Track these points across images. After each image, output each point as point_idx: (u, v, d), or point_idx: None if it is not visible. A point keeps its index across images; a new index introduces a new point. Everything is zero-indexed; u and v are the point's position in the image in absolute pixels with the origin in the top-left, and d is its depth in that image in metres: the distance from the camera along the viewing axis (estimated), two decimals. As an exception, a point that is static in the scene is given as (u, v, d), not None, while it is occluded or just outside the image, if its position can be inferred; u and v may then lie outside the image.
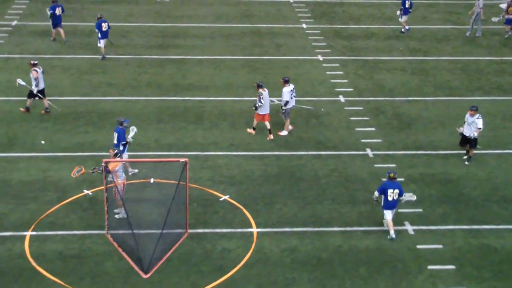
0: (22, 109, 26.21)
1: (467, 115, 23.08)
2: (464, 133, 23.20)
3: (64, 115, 26.21)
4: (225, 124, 25.86)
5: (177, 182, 18.48)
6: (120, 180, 19.26)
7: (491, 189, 22.08)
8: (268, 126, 24.77)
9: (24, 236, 18.99)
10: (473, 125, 22.93)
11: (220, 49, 33.69)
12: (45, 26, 35.17)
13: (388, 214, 19.38)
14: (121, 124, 21.51)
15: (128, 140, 21.50)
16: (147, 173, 21.51)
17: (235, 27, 36.82)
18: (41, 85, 26.01)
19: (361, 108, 27.58)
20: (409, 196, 19.73)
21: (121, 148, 21.22)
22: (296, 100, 25.47)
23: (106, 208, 18.94)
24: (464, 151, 23.64)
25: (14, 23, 35.93)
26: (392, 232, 19.37)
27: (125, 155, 21.50)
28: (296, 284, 17.58)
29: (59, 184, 21.52)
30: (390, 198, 19.18)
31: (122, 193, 19.17)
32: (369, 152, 24.09)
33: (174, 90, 28.80)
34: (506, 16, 35.71)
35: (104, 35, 31.94)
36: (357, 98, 28.47)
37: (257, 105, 24.40)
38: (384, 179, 22.27)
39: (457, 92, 29.49)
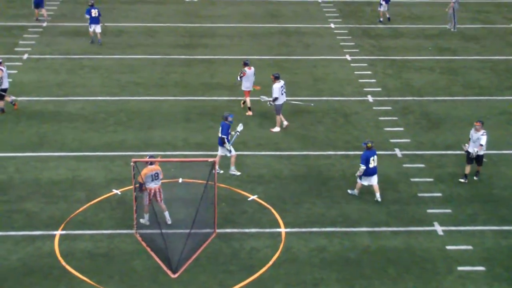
0: None
1: (472, 131, 21.82)
2: (470, 151, 21.84)
3: (94, 114, 26.42)
4: (252, 123, 25.87)
5: (205, 181, 18.53)
6: (148, 186, 19.18)
7: (522, 189, 21.89)
8: (249, 104, 26.54)
9: (54, 235, 19.16)
10: (477, 142, 21.63)
11: (247, 48, 33.73)
12: (76, 26, 35.54)
13: (374, 180, 20.75)
14: (226, 119, 22.00)
15: (230, 135, 21.96)
16: (175, 172, 21.57)
17: (263, 26, 36.85)
18: (5, 85, 26.18)
19: (389, 107, 27.44)
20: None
21: (226, 141, 21.86)
22: (302, 100, 25.38)
23: (135, 208, 19.03)
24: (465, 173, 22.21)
25: (45, 24, 36.27)
26: (378, 194, 20.87)
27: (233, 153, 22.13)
28: (324, 284, 17.54)
29: (88, 183, 21.69)
30: (371, 165, 20.61)
31: (148, 200, 19.17)
32: (397, 152, 23.95)
33: (201, 90, 28.89)
34: None
35: (93, 20, 33.33)
36: (386, 98, 28.33)
37: (237, 80, 26.51)
38: (413, 179, 22.19)
39: (487, 92, 29.23)
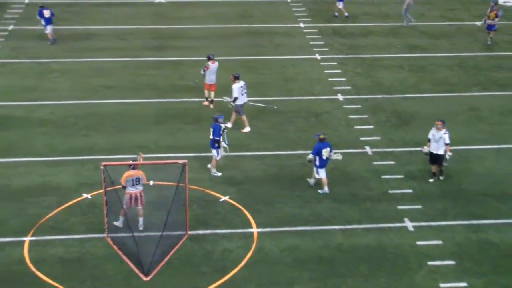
0: None
1: (433, 131, 21.75)
2: (432, 151, 21.79)
3: (63, 118, 26.25)
4: (223, 124, 25.82)
5: (176, 183, 18.50)
6: (129, 190, 19.13)
7: (490, 184, 22.09)
8: (212, 97, 27.12)
9: (23, 242, 18.98)
10: (440, 142, 21.61)
11: (217, 49, 33.57)
12: (43, 30, 35.22)
13: (322, 173, 21.18)
14: (216, 120, 22.12)
15: (222, 137, 22.03)
16: (147, 175, 21.47)
17: (233, 27, 36.86)
18: None
19: (359, 106, 27.60)
20: (336, 156, 21.47)
21: (216, 144, 22.05)
22: (266, 101, 25.43)
23: (105, 212, 18.93)
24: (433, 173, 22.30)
25: (10, 27, 35.95)
26: (326, 188, 21.32)
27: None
28: (297, 283, 17.59)
29: (58, 188, 21.54)
30: (324, 157, 21.09)
31: (129, 204, 19.12)
32: (368, 149, 24.10)
33: (172, 92, 28.83)
34: (488, 22, 34.19)
35: (48, 21, 33.41)
36: (356, 96, 28.48)
37: (202, 71, 27.10)
38: (384, 176, 22.34)
39: (455, 88, 29.52)
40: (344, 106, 27.57)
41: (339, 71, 31.12)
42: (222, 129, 22.19)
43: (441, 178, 22.17)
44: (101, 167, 18.46)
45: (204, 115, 26.39)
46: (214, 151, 22.33)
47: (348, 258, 18.55)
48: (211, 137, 22.14)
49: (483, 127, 25.98)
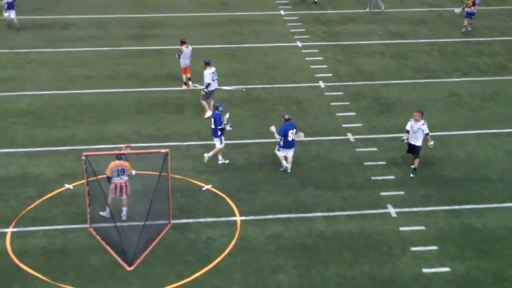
0: None
1: (411, 122, 21.45)
2: (410, 142, 21.55)
3: (43, 109, 26.05)
4: (204, 112, 25.79)
5: (159, 173, 18.44)
6: (114, 180, 19.04)
7: (472, 169, 22.22)
8: (184, 80, 27.71)
9: (5, 233, 18.85)
10: (419, 133, 21.34)
11: (199, 38, 33.55)
12: (21, 19, 34.89)
13: (290, 152, 21.68)
14: (217, 109, 22.01)
15: (224, 124, 21.99)
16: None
17: (214, 15, 36.73)
18: None
19: (341, 93, 27.63)
20: (300, 136, 21.94)
21: (219, 133, 21.95)
22: (249, 89, 25.46)
23: (88, 202, 18.84)
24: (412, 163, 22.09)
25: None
26: (289, 166, 21.70)
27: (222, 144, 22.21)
28: (281, 271, 17.62)
29: (39, 179, 21.39)
30: (290, 138, 21.47)
31: (115, 194, 19.06)
32: (350, 136, 24.14)
33: (153, 81, 28.69)
34: (466, 9, 34.10)
35: (9, 6, 33.58)
36: (337, 83, 28.50)
37: (177, 56, 27.39)
38: (366, 163, 22.39)
39: (436, 74, 29.61)
40: (326, 93, 27.59)
41: (320, 58, 31.11)
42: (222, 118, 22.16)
43: (411, 175, 21.74)
44: (83, 158, 18.35)
45: (186, 104, 26.31)
46: (217, 140, 22.22)
47: (331, 245, 18.60)
48: (213, 126, 22.06)
49: (463, 113, 26.11)
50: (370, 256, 18.13)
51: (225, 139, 22.57)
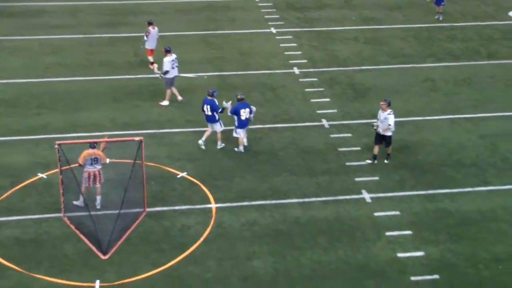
0: None
1: (380, 111, 21.39)
2: (378, 131, 21.39)
3: (16, 97, 25.79)
4: (164, 101, 25.69)
5: (133, 161, 18.34)
6: (87, 169, 18.94)
7: (446, 153, 22.37)
8: (151, 60, 27.98)
9: (-21, 223, 18.73)
10: (385, 122, 21.18)
11: (173, 25, 33.40)
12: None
13: (241, 133, 21.85)
14: (212, 95, 22.05)
15: (224, 106, 22.02)
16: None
17: (188, 2, 36.56)
18: None
19: (315, 79, 27.65)
20: (252, 114, 22.12)
21: (217, 117, 22.10)
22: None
23: (61, 191, 18.71)
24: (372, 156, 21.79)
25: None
26: (241, 147, 21.94)
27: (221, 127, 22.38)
28: (256, 257, 17.64)
29: (12, 168, 21.17)
30: (243, 118, 21.65)
31: (88, 183, 18.96)
32: (325, 122, 24.17)
33: (127, 68, 28.50)
34: None
35: None
36: (312, 70, 28.52)
37: (144, 40, 27.78)
38: (341, 149, 22.45)
39: (410, 60, 29.73)
40: (300, 80, 27.60)
41: (295, 44, 31.10)
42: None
43: (386, 161, 21.79)
44: (56, 146, 18.19)
45: (161, 91, 26.15)
46: (217, 125, 22.31)
47: (306, 231, 18.64)
48: (209, 113, 22.03)
49: (438, 98, 26.26)
50: (345, 242, 18.21)
51: (197, 127, 22.53)
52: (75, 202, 19.20)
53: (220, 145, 22.56)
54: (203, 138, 22.48)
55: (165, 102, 25.34)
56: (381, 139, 21.54)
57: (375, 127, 21.54)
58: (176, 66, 25.30)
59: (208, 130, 22.51)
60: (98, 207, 19.19)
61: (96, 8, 35.44)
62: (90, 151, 18.72)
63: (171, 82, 25.33)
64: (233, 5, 36.05)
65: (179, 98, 25.37)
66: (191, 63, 28.50)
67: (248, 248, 17.96)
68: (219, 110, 22.10)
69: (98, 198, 19.25)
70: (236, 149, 22.22)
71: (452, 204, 19.75)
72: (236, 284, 16.72)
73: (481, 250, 17.82)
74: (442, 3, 34.19)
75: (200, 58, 29.39)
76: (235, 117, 21.77)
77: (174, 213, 19.32)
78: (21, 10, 34.65)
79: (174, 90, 25.45)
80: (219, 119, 22.32)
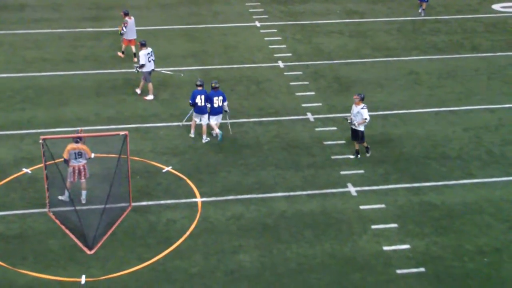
0: None
1: (353, 105, 21.22)
2: (352, 126, 21.37)
3: (-1, 93, 25.66)
4: (165, 94, 25.65)
5: (118, 155, 18.27)
6: (72, 163, 18.85)
7: (430, 146, 22.45)
8: (134, 50, 28.29)
9: (-37, 219, 18.59)
10: (358, 116, 21.04)
11: (156, 19, 33.29)
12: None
13: (214, 119, 22.41)
14: (202, 85, 22.37)
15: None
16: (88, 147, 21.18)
17: (171, -4, 36.41)
18: None
19: (300, 72, 27.64)
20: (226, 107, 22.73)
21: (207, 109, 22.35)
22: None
23: (46, 186, 18.60)
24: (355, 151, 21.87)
25: None
26: (217, 131, 22.39)
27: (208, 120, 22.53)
28: (243, 251, 17.64)
29: (-4, 164, 21.09)
30: (216, 105, 22.20)
31: (73, 177, 18.87)
32: (310, 116, 24.18)
33: (112, 63, 28.36)
34: None
35: None
36: (296, 63, 28.52)
37: (122, 32, 28.04)
38: (326, 142, 22.49)
39: (395, 53, 29.80)
40: (285, 73, 27.59)
41: (279, 38, 31.08)
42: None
43: (367, 155, 21.82)
44: (40, 141, 18.08)
45: (145, 85, 26.03)
46: (206, 117, 22.49)
47: (292, 224, 18.66)
48: (202, 104, 22.24)
49: (422, 91, 26.35)
50: (331, 235, 18.25)
51: (181, 121, 22.50)
52: (60, 197, 19.11)
53: (205, 139, 22.53)
54: (193, 131, 22.68)
55: (150, 96, 25.24)
56: (355, 136, 21.47)
57: (348, 121, 21.48)
58: (152, 60, 25.18)
59: (194, 122, 22.60)
60: (84, 201, 19.11)
61: (78, 2, 35.23)
62: (74, 145, 18.62)
63: (146, 76, 25.20)
64: (217, -1, 36.00)
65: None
66: (174, 57, 28.42)
67: (234, 242, 17.95)
68: (191, 102, 22.30)
69: (83, 192, 19.16)
70: (213, 132, 22.63)
71: (437, 196, 19.84)
72: (222, 278, 16.72)
73: (466, 243, 17.92)
74: (426, 0, 33.97)
75: (183, 52, 29.31)
76: (208, 105, 22.19)
77: (160, 207, 19.27)
78: (1, 4, 34.37)
79: (142, 84, 25.36)
80: (208, 110, 22.41)
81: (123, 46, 28.57)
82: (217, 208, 19.28)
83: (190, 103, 22.29)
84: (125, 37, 28.22)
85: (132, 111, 24.33)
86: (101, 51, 29.47)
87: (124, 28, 27.97)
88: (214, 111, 22.34)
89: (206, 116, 22.43)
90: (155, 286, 16.45)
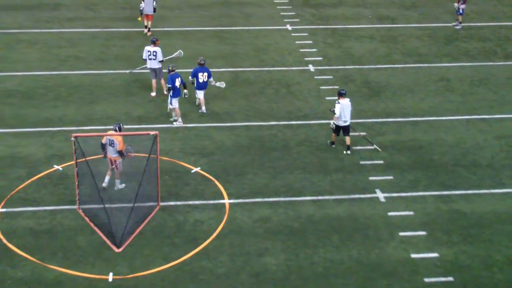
0: None
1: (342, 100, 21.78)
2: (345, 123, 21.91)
3: (32, 89, 25.90)
4: (194, 95, 25.71)
5: (148, 155, 18.39)
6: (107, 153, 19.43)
7: (460, 154, 22.28)
8: (149, 26, 31.09)
9: (-6, 213, 18.84)
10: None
11: (188, 20, 33.43)
12: (11, 0, 34.72)
13: (200, 94, 24.25)
14: (204, 63, 24.37)
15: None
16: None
17: (203, -3, 36.55)
18: None
19: (330, 77, 27.59)
20: (219, 84, 24.87)
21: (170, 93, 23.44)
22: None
23: (76, 183, 18.79)
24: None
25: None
26: (203, 108, 24.27)
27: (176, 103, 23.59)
28: (269, 254, 17.64)
29: (28, 160, 21.29)
30: (201, 80, 24.06)
31: (110, 165, 19.55)
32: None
33: (142, 62, 28.42)
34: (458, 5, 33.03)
35: None
36: (327, 67, 28.47)
37: (141, 8, 30.71)
38: (355, 147, 22.42)
39: (426, 59, 29.62)
40: (315, 77, 27.56)
41: (310, 41, 31.05)
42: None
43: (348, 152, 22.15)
44: (72, 139, 18.27)
45: (176, 86, 26.11)
46: (202, 92, 24.37)
47: (319, 229, 18.63)
48: (205, 79, 24.15)
49: (453, 98, 26.16)
50: (358, 241, 18.19)
51: (210, 122, 22.59)
52: (103, 185, 19.58)
53: (205, 110, 24.42)
54: (203, 107, 24.42)
55: (153, 93, 25.72)
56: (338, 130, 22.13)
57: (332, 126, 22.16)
58: (153, 59, 25.23)
59: (200, 98, 24.39)
60: (120, 187, 19.63)
61: (112, 3, 35.50)
62: (112, 132, 19.19)
63: (152, 72, 25.50)
64: (248, 1, 36.02)
65: (165, 91, 25.23)
66: (205, 58, 28.45)
67: (261, 245, 17.97)
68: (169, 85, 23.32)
69: (117, 181, 19.67)
70: (200, 110, 24.37)
71: (466, 205, 19.68)
72: (248, 280, 16.75)
73: (495, 253, 17.75)
74: (460, 12, 33.22)
75: (214, 53, 29.41)
76: (194, 79, 24.01)
77: (188, 208, 19.35)
78: (37, 3, 34.77)
79: (162, 82, 25.47)
80: (173, 95, 23.41)
81: (145, 21, 31.02)
82: (244, 210, 19.32)
83: (190, 78, 24.23)
84: (145, 12, 30.74)
85: (161, 111, 24.47)
86: (132, 50, 29.68)
87: (142, 2, 30.42)
88: (199, 86, 24.11)
89: (203, 91, 24.31)
90: (180, 286, 16.53)
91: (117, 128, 19.41)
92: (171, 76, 23.18)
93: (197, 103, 24.57)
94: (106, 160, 19.55)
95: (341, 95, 21.78)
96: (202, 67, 24.12)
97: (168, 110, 23.89)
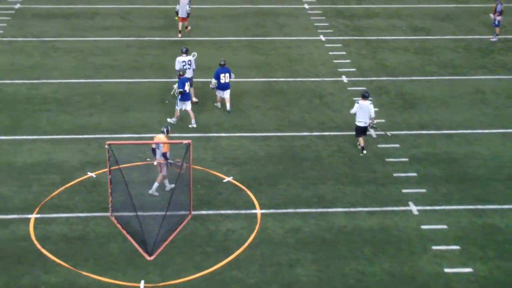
0: None
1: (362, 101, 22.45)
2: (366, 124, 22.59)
3: (67, 97, 26.20)
4: (227, 105, 25.80)
5: (180, 163, 18.46)
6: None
7: (496, 168, 22.01)
8: (181, 28, 32.35)
9: (29, 219, 19.01)
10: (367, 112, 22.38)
11: (222, 30, 33.56)
12: (48, 8, 35.15)
13: (225, 93, 25.08)
14: (224, 64, 25.18)
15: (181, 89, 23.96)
16: (151, 155, 21.45)
17: (238, 7, 36.64)
18: None
19: (364, 88, 27.41)
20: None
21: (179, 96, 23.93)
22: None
23: (110, 190, 18.94)
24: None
25: (17, 6, 35.81)
26: (228, 105, 25.07)
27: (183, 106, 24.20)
28: (300, 265, 17.59)
29: (62, 167, 21.52)
30: (222, 81, 24.90)
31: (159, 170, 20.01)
32: (372, 132, 23.98)
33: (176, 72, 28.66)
34: (493, 17, 32.58)
35: None
36: (360, 78, 28.37)
37: (176, 10, 31.88)
38: (388, 159, 22.28)
39: (461, 71, 29.37)
40: (349, 88, 27.47)
41: (344, 52, 30.97)
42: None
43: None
44: (106, 146, 18.44)
45: (209, 95, 26.26)
46: (227, 92, 25.17)
47: (351, 240, 18.54)
48: (227, 80, 24.95)
49: (488, 111, 25.88)
50: (390, 253, 18.05)
51: (243, 132, 22.64)
52: (150, 192, 19.91)
53: (229, 107, 25.08)
54: (219, 103, 25.48)
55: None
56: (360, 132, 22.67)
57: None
58: (188, 68, 25.41)
59: (219, 97, 25.36)
60: (167, 189, 20.02)
61: (147, 12, 35.79)
62: (161, 135, 19.80)
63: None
64: (282, 12, 36.07)
65: (194, 98, 25.86)
66: (237, 68, 28.54)
67: (292, 255, 17.93)
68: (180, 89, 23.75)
69: (166, 181, 20.17)
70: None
71: (501, 220, 19.43)
72: (280, 290, 16.72)
73: (530, 268, 17.51)
74: (494, 24, 32.83)
75: (247, 63, 29.48)
76: (216, 80, 24.88)
77: (219, 217, 19.38)
78: (74, 12, 35.19)
79: (192, 91, 25.56)
80: (182, 99, 23.93)
81: (179, 24, 32.05)
82: (275, 220, 19.29)
83: (214, 78, 24.95)
84: (180, 15, 31.70)
85: (195, 120, 24.55)
86: (166, 59, 29.84)
87: (177, 6, 31.56)
88: (221, 86, 24.94)
89: (228, 91, 25.05)
90: (212, 295, 16.57)
91: (164, 130, 19.90)
92: (181, 80, 23.76)
93: (218, 105, 25.47)
94: (156, 166, 19.93)
95: (363, 96, 22.36)
96: (223, 68, 24.93)
97: (177, 114, 24.29)
